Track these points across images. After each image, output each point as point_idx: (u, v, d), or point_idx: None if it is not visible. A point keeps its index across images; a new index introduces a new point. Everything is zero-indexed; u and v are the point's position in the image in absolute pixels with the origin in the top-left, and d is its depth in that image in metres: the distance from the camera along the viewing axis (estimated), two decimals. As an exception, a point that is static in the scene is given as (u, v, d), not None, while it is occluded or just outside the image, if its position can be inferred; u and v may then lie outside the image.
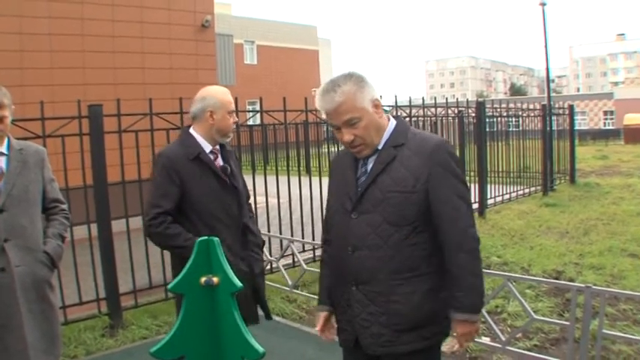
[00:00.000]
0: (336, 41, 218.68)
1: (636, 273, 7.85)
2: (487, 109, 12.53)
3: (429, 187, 2.81)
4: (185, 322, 2.60)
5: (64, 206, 4.19)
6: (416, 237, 2.84)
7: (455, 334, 2.94)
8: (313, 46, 49.80)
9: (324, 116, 2.95)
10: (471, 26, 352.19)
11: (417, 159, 2.83)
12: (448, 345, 4.96)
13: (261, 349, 2.52)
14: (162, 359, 2.60)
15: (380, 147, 2.91)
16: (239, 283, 2.54)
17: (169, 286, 2.71)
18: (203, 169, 3.90)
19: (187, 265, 2.59)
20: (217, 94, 4.02)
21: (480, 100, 12.55)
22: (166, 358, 2.60)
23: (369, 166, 2.92)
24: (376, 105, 2.89)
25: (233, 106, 4.08)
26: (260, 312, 4.24)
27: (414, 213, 2.82)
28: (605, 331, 4.53)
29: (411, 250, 2.84)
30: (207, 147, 3.98)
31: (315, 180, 8.83)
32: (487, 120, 12.48)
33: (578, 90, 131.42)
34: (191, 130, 4.01)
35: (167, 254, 6.70)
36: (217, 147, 4.07)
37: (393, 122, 2.98)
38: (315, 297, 6.07)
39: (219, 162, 4.04)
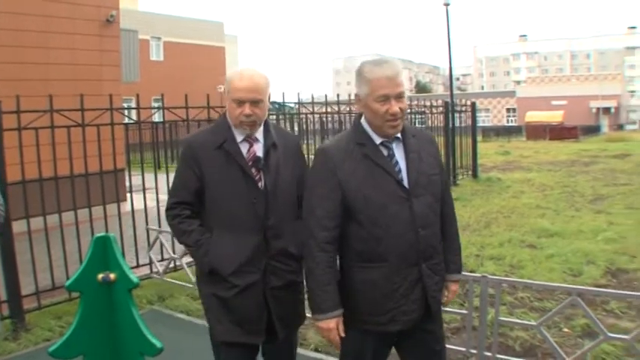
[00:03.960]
0: (243, 38, 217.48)
1: (533, 263, 8.19)
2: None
3: (441, 171, 3.35)
4: (83, 320, 2.59)
5: None
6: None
7: (446, 291, 3.46)
8: (220, 43, 49.46)
9: (376, 85, 3.05)
10: (377, 24, 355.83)
11: (429, 148, 3.32)
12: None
13: (159, 343, 2.55)
14: (61, 359, 2.58)
15: (399, 135, 3.19)
16: (136, 279, 2.55)
17: (66, 284, 2.69)
18: (228, 159, 3.48)
19: (84, 262, 2.58)
20: (231, 77, 3.52)
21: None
22: (64, 357, 2.59)
23: (397, 155, 3.17)
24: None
25: (242, 95, 3.43)
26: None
27: (440, 190, 3.30)
28: (501, 318, 4.71)
29: (439, 221, 3.32)
30: (239, 135, 3.53)
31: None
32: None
33: (482, 88, 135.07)
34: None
35: (70, 254, 6.70)
36: (255, 135, 3.56)
37: None
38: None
39: (257, 152, 3.54)
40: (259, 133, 3.58)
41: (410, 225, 3.09)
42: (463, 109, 18.68)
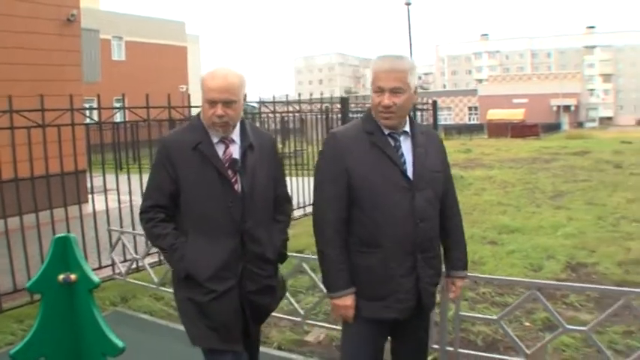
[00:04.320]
0: (205, 37, 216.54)
1: (495, 259, 8.30)
2: (352, 105, 12.76)
3: (445, 170, 3.48)
4: (44, 321, 2.58)
5: None
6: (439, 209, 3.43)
7: (453, 287, 3.61)
8: (182, 43, 49.16)
9: (375, 77, 3.26)
10: (339, 24, 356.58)
11: (435, 145, 3.44)
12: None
13: (120, 343, 2.55)
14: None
15: (408, 130, 3.35)
16: (96, 279, 2.55)
17: (27, 285, 2.68)
18: (204, 161, 3.38)
19: (44, 264, 2.57)
20: (204, 77, 3.42)
21: (345, 96, 12.73)
22: (26, 360, 2.58)
23: (404, 148, 3.31)
24: (416, 93, 3.33)
25: (214, 95, 3.34)
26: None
27: (442, 189, 3.43)
28: (462, 313, 4.77)
29: (438, 219, 3.43)
30: (215, 136, 3.44)
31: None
32: (352, 115, 12.74)
33: (445, 87, 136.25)
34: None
35: (31, 257, 6.63)
36: (232, 136, 3.49)
37: None
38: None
39: (233, 154, 3.46)
40: (235, 134, 3.50)
41: (409, 215, 3.23)
42: (424, 107, 18.79)
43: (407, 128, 3.35)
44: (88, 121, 8.39)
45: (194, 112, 11.64)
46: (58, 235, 2.59)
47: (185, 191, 3.39)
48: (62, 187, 7.04)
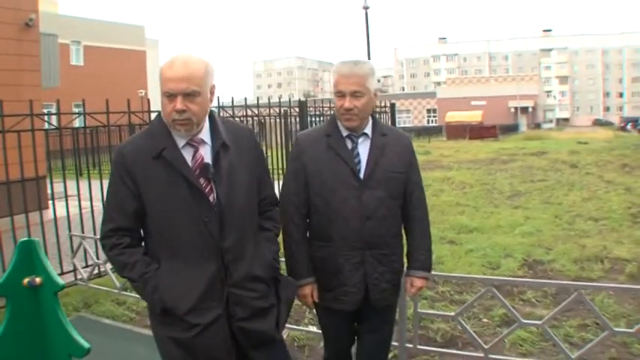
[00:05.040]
0: (164, 42, 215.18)
1: (453, 258, 8.45)
2: (310, 109, 12.80)
3: (408, 171, 3.51)
4: (10, 324, 2.60)
5: None
6: (400, 208, 3.54)
7: (411, 286, 3.67)
8: (141, 47, 48.94)
9: (336, 81, 3.41)
10: (298, 28, 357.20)
11: (400, 148, 3.51)
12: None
13: (86, 344, 2.60)
14: (-13, 366, 2.61)
15: (369, 133, 3.48)
16: (61, 282, 2.60)
17: (-8, 289, 2.70)
18: (169, 170, 2.86)
19: (9, 267, 2.61)
20: (161, 67, 2.90)
21: (303, 99, 12.76)
22: (-9, 364, 2.61)
23: (361, 149, 3.45)
24: (376, 95, 3.46)
25: (171, 86, 2.81)
26: None
27: (401, 190, 3.50)
28: (420, 310, 4.87)
29: (399, 218, 3.55)
30: (181, 139, 2.92)
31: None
32: (310, 119, 12.76)
33: (403, 89, 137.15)
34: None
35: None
36: (201, 136, 2.96)
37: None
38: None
39: (204, 158, 2.94)
40: (205, 133, 2.98)
41: (357, 212, 3.38)
42: (383, 110, 18.90)
43: (367, 130, 3.48)
44: (47, 126, 8.34)
45: (154, 117, 11.66)
46: (22, 240, 2.62)
47: (150, 208, 2.89)
48: (23, 193, 7.01)
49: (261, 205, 3.18)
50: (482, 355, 4.47)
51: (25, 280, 2.59)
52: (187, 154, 2.91)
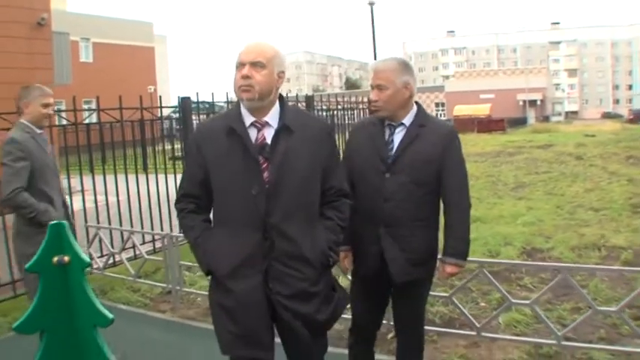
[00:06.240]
0: (173, 38, 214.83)
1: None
2: (317, 103, 12.95)
3: (442, 160, 3.64)
4: (42, 298, 2.87)
5: None
6: (429, 195, 3.68)
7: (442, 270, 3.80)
8: (149, 43, 48.99)
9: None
10: (306, 22, 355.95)
11: (435, 138, 3.66)
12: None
13: (110, 315, 2.88)
14: (24, 333, 2.90)
15: (407, 124, 3.70)
16: (88, 259, 2.88)
17: (26, 267, 2.97)
18: (233, 145, 3.09)
19: (41, 248, 2.87)
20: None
21: (309, 94, 12.94)
22: (27, 332, 2.90)
23: (396, 137, 3.70)
24: (407, 88, 3.66)
25: (242, 58, 3.12)
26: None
27: (430, 178, 3.65)
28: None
29: (425, 204, 3.68)
30: (248, 119, 3.14)
31: (152, 177, 9.13)
32: (317, 114, 12.85)
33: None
34: None
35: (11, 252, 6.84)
36: (266, 119, 3.15)
37: (415, 107, 3.77)
38: (158, 284, 6.35)
39: (266, 138, 3.12)
40: (271, 117, 3.16)
41: (377, 193, 3.65)
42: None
43: (406, 121, 3.72)
44: (63, 122, 8.63)
45: (165, 112, 11.87)
46: (51, 222, 2.88)
47: (213, 178, 3.14)
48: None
49: (327, 194, 3.27)
50: (475, 333, 4.79)
51: (55, 259, 2.83)
52: (252, 133, 3.13)
